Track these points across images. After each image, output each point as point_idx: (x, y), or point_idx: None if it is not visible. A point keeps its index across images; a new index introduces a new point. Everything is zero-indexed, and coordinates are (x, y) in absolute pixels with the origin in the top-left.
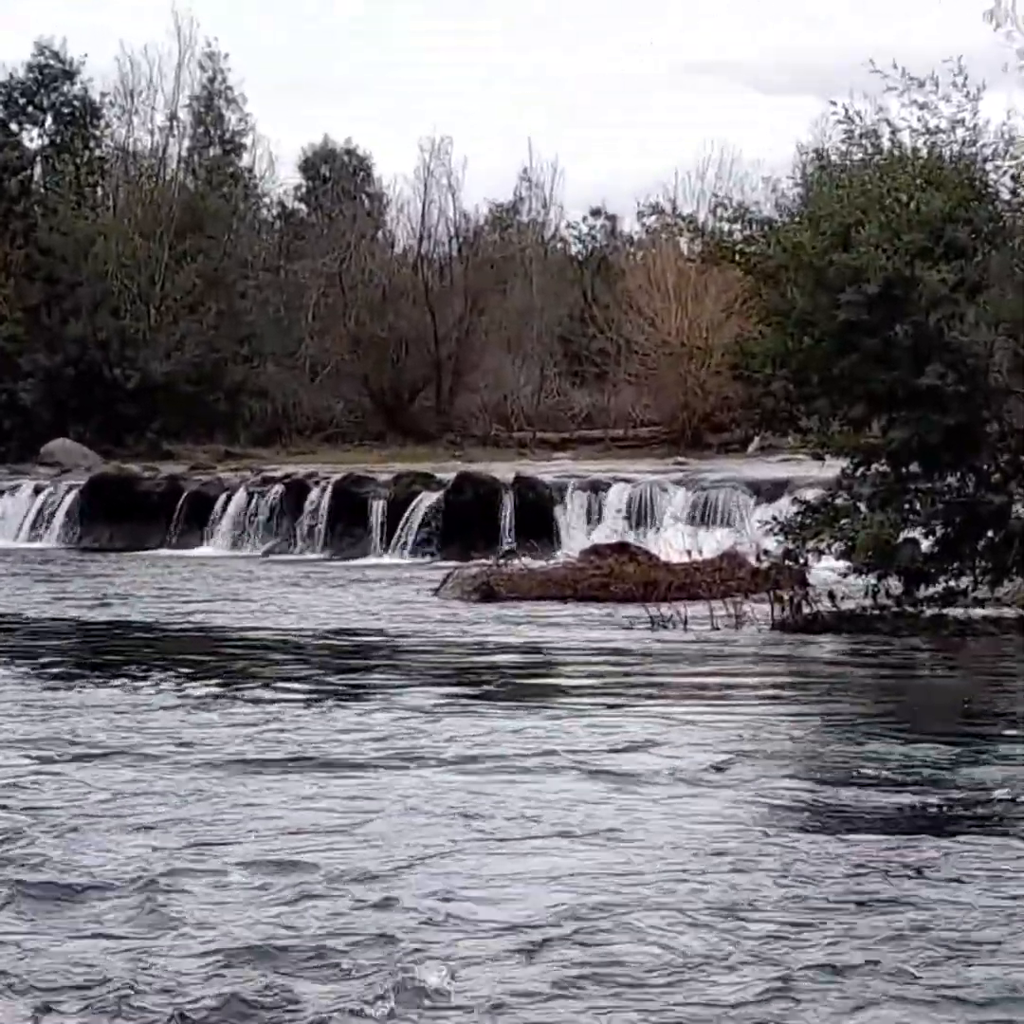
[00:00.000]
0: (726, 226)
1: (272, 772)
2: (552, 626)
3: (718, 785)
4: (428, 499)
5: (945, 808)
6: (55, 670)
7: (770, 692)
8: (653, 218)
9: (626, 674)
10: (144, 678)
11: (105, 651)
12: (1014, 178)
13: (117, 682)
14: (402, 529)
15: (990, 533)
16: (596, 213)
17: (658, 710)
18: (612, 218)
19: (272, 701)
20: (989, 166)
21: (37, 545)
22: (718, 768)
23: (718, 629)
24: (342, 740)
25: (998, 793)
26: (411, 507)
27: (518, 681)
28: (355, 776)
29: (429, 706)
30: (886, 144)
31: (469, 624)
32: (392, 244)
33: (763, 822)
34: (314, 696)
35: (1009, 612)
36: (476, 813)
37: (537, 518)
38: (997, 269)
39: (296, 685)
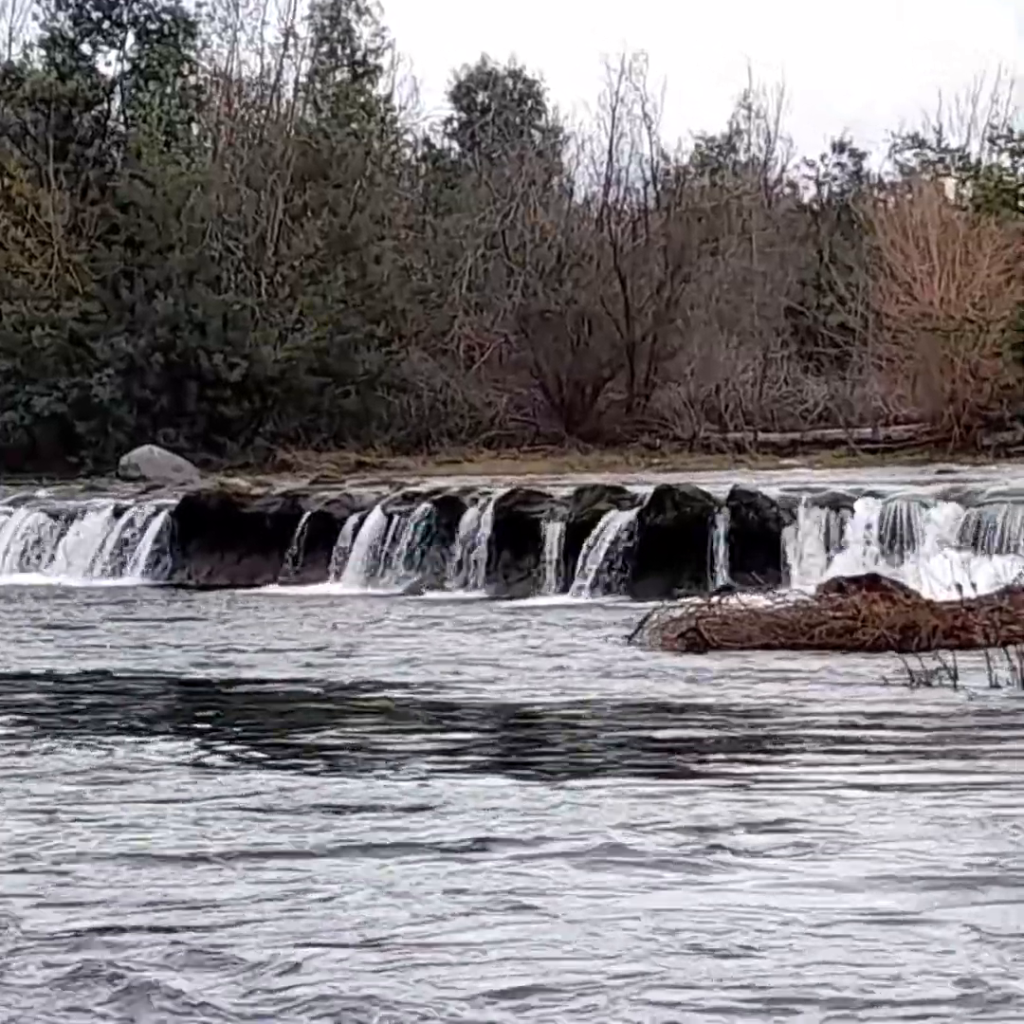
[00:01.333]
0: (1007, 162)
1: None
2: (781, 683)
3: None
4: (618, 521)
5: None
6: (148, 746)
7: None
8: (911, 154)
9: (878, 750)
10: (261, 759)
11: (203, 719)
12: None
13: (219, 763)
14: (585, 559)
15: None
16: (837, 149)
17: (925, 802)
18: (857, 155)
19: (425, 788)
20: None
21: (117, 581)
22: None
23: (999, 687)
24: (544, 834)
25: None
26: (596, 531)
27: (740, 758)
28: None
29: (617, 794)
30: None
31: (673, 681)
32: (570, 193)
33: None
34: (485, 775)
35: None
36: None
37: (760, 544)
38: None
39: (459, 764)
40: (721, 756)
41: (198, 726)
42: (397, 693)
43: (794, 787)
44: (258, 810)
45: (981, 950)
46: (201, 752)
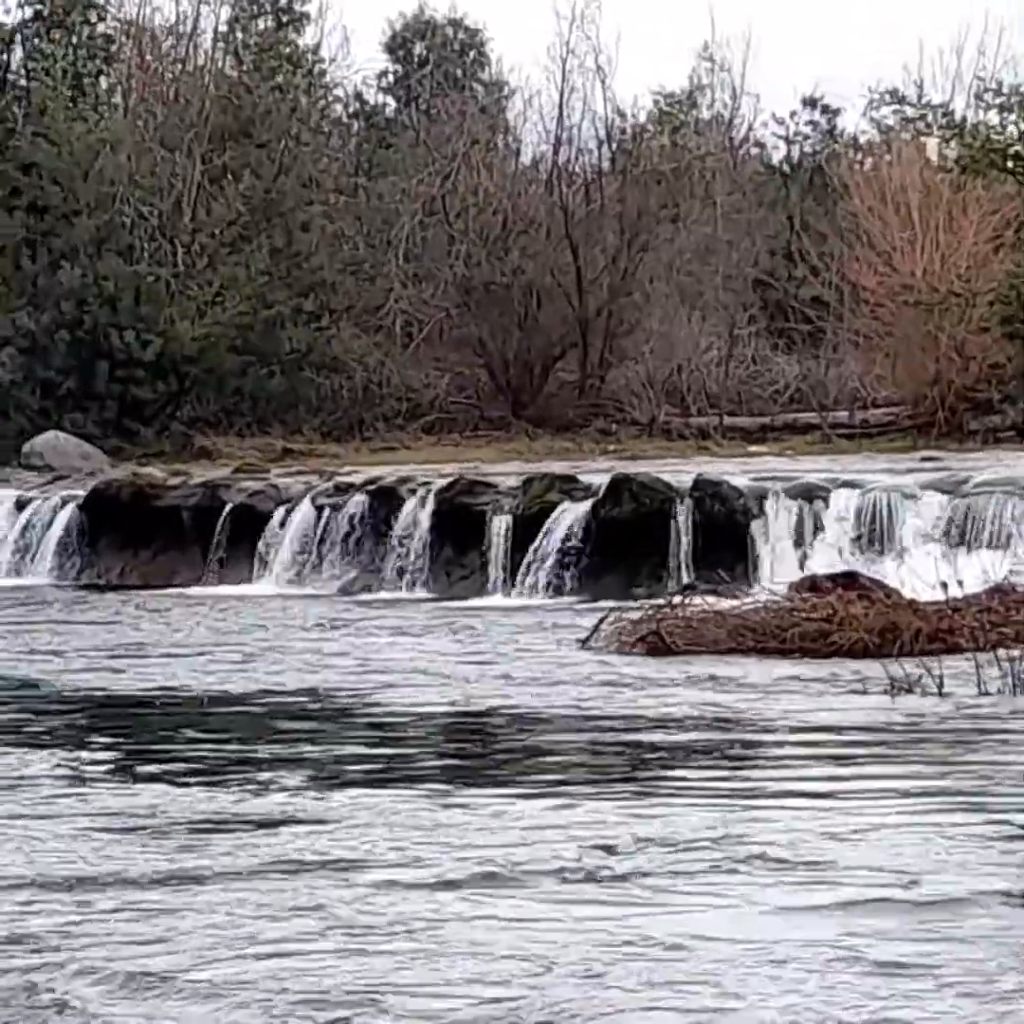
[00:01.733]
0: (994, 120)
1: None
2: (749, 692)
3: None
4: (570, 513)
5: None
6: (45, 768)
7: None
8: (889, 111)
9: (849, 763)
10: (140, 773)
11: (82, 731)
12: None
13: (144, 780)
14: (534, 556)
15: None
16: (808, 105)
17: (912, 820)
18: (831, 112)
19: (373, 811)
20: None
21: (19, 581)
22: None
23: (988, 694)
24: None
25: None
26: (547, 525)
27: (703, 774)
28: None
29: (581, 813)
30: None
31: (632, 689)
32: (517, 153)
33: None
34: (436, 796)
35: None
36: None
37: (726, 539)
38: None
39: (408, 782)
40: (672, 771)
41: (73, 738)
42: (315, 702)
43: (737, 803)
44: (119, 830)
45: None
46: (68, 767)
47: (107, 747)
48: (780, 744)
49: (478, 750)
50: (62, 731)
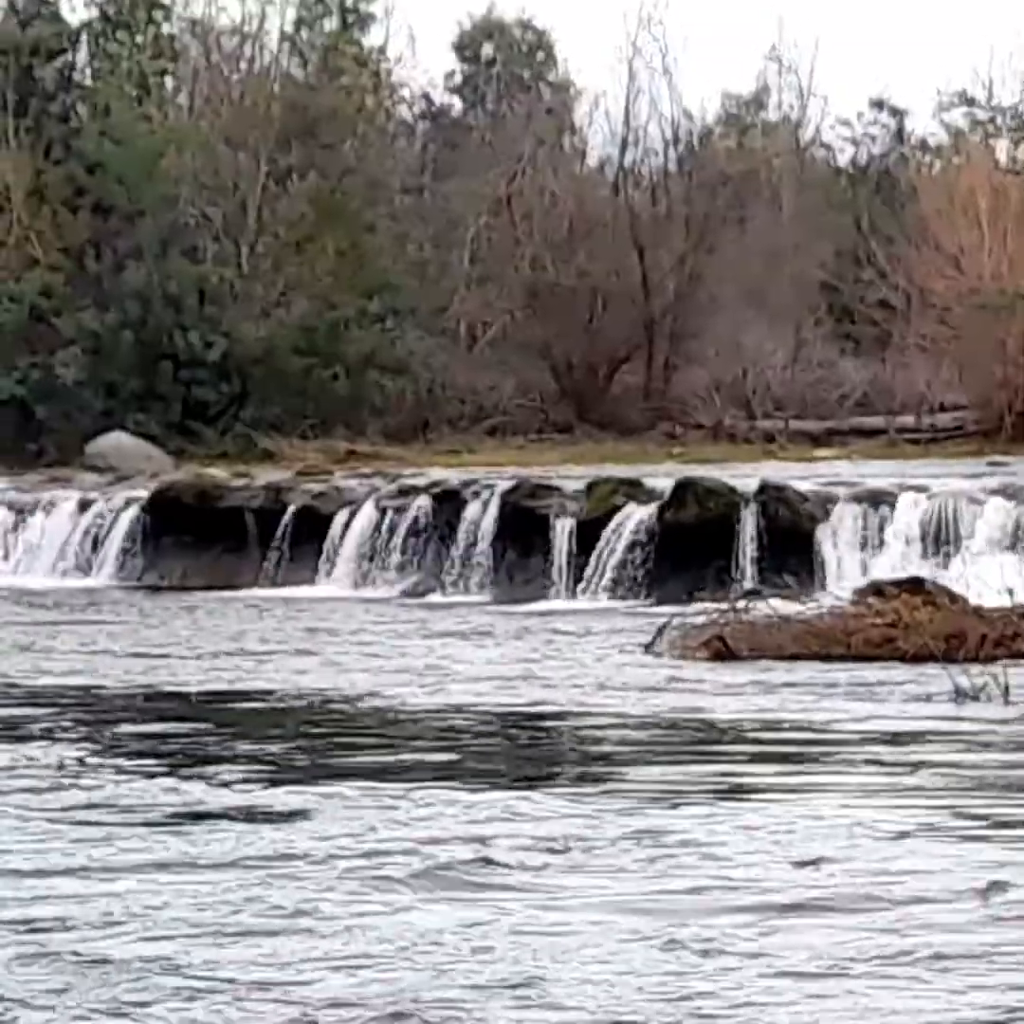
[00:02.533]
0: None
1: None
2: (813, 698)
3: None
4: (635, 517)
5: None
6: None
7: None
8: (959, 113)
9: (920, 771)
10: (242, 780)
11: (176, 738)
12: None
13: (206, 783)
14: (598, 560)
15: None
16: (876, 106)
17: (974, 834)
18: (898, 114)
19: (429, 813)
20: None
21: (82, 583)
22: None
23: None
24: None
25: None
26: (610, 528)
27: (767, 781)
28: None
29: (644, 823)
30: None
31: (695, 694)
32: (583, 155)
33: None
34: (496, 805)
35: None
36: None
37: (791, 544)
38: None
39: (465, 787)
40: (741, 776)
41: (103, 735)
42: (369, 703)
43: (823, 826)
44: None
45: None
46: (76, 760)
47: (125, 744)
48: (842, 751)
49: (540, 753)
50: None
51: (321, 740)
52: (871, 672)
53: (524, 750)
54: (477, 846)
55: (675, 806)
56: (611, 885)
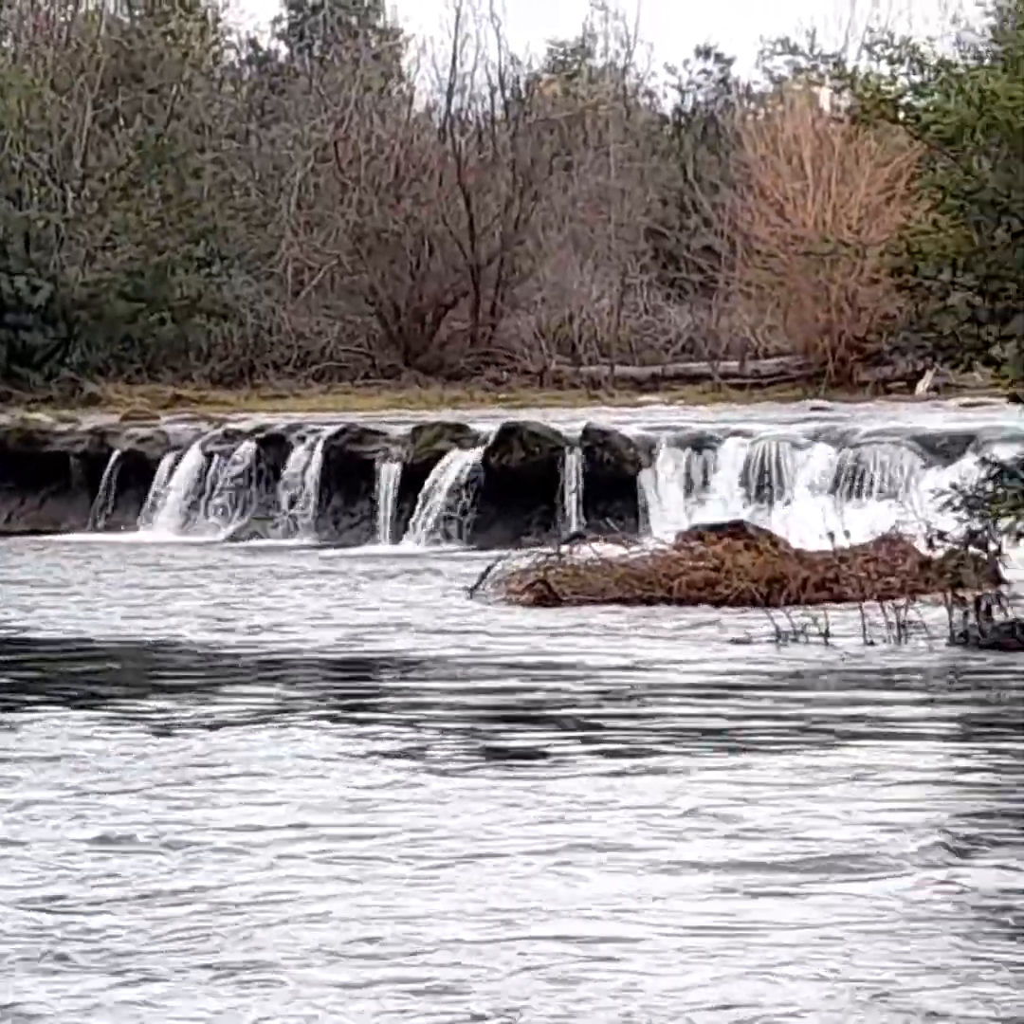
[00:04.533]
0: (887, 71)
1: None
2: (635, 641)
3: (887, 891)
4: (460, 461)
5: None
6: None
7: (953, 741)
8: (782, 61)
9: (741, 714)
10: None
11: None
12: None
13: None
14: (423, 504)
15: None
16: (702, 54)
17: (789, 767)
18: (724, 62)
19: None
20: None
21: None
22: (886, 856)
23: (873, 644)
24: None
25: None
26: (436, 473)
27: (588, 726)
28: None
29: (457, 768)
30: None
31: (517, 638)
32: (410, 100)
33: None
34: (313, 740)
35: None
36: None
37: (615, 489)
38: None
39: (282, 724)
40: (562, 723)
41: None
42: (185, 646)
43: (642, 765)
44: None
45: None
46: None
47: None
48: (661, 692)
49: (354, 693)
50: None
51: (140, 684)
52: (693, 615)
53: (341, 693)
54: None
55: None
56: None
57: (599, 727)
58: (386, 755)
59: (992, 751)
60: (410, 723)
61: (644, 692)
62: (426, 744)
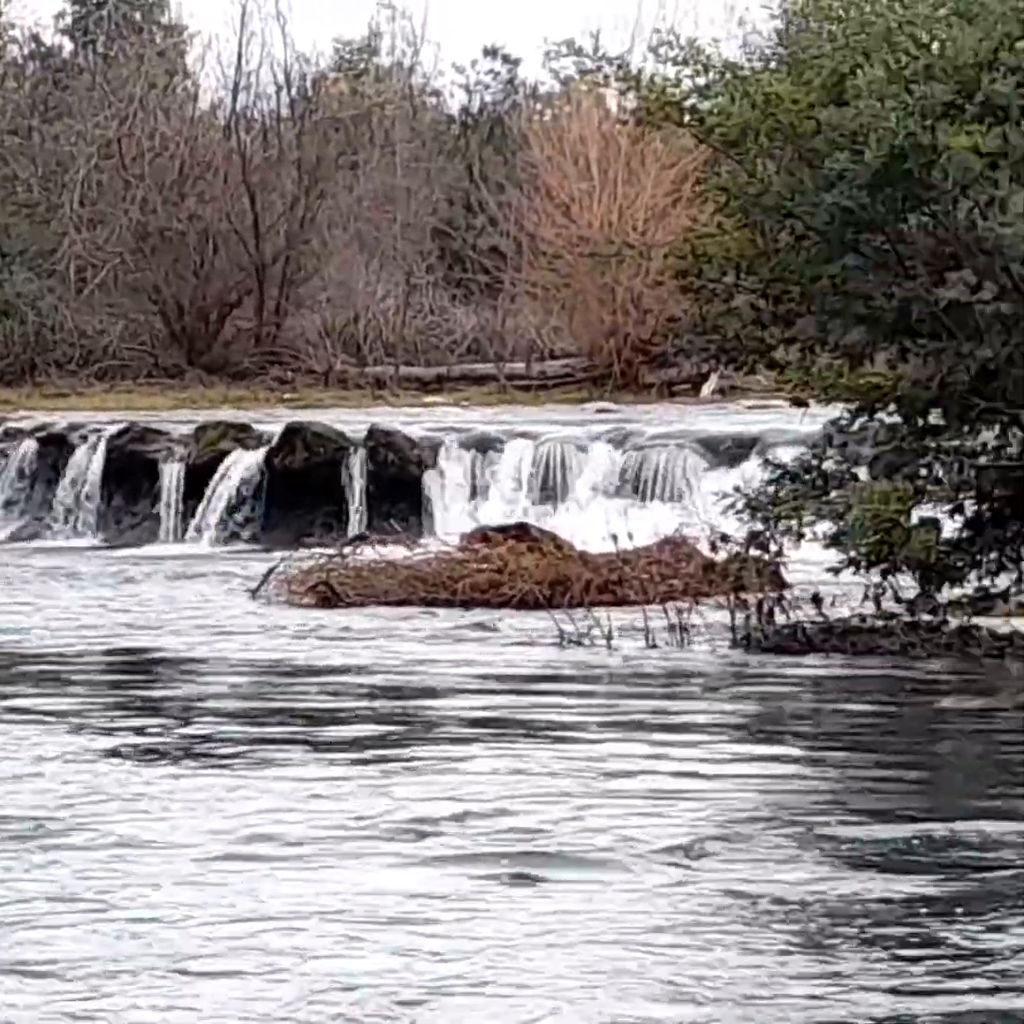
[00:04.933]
0: (672, 73)
1: None
2: (417, 643)
3: (654, 886)
4: (244, 462)
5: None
6: None
7: (731, 742)
8: (569, 61)
9: (521, 717)
10: None
11: None
12: None
13: None
14: (206, 504)
15: None
16: (490, 54)
17: (568, 769)
18: (512, 62)
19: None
20: None
21: None
22: (652, 855)
23: (656, 647)
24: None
25: None
26: (219, 473)
27: (363, 728)
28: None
29: (235, 765)
30: None
31: (297, 640)
32: (195, 98)
33: (733, 932)
34: (73, 746)
35: None
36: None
37: (399, 490)
38: None
39: (47, 730)
40: (336, 723)
41: None
42: None
43: (420, 766)
44: None
45: None
46: None
47: None
48: (441, 694)
49: (128, 697)
50: None
51: None
52: (477, 617)
53: (118, 695)
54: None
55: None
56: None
57: (354, 724)
58: (113, 754)
59: (761, 754)
60: (163, 723)
61: (418, 691)
62: (166, 742)
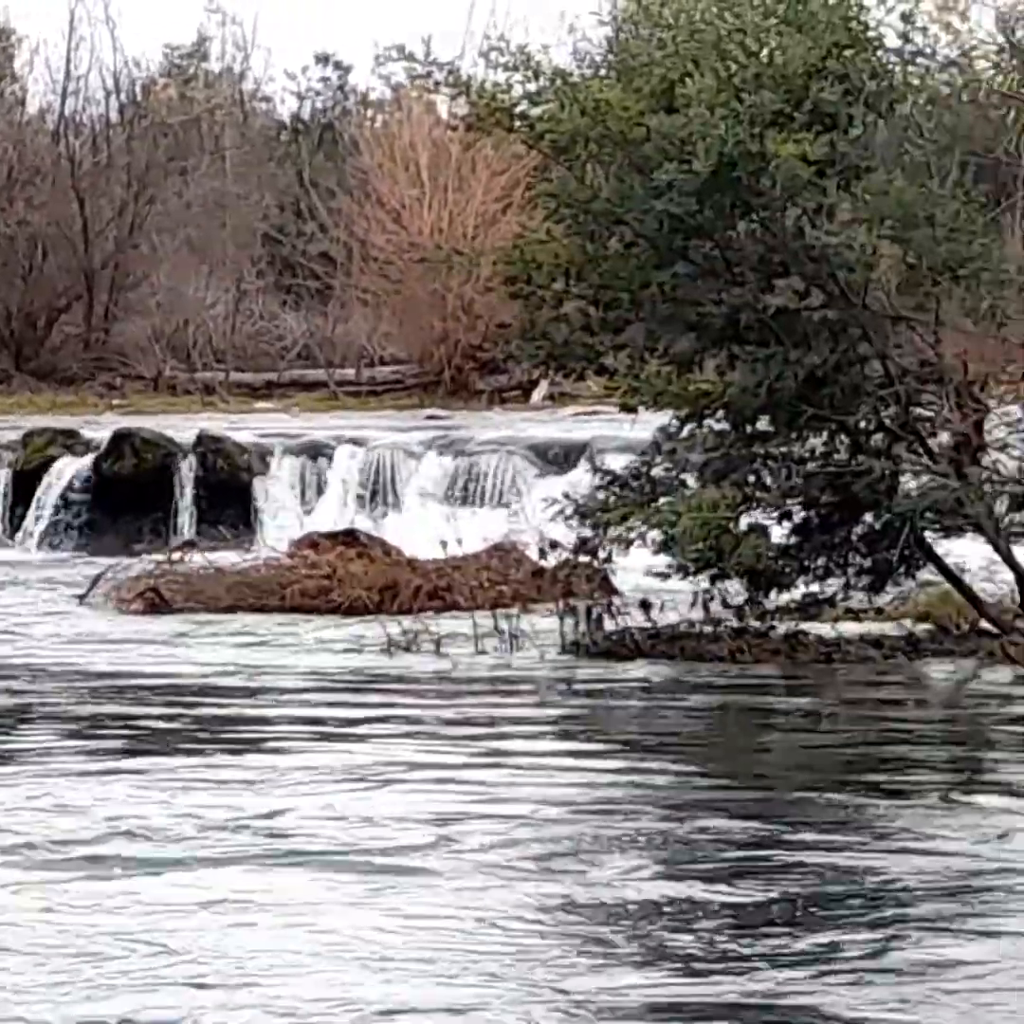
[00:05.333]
0: (502, 79)
1: None
2: (245, 650)
3: (474, 886)
4: (71, 468)
5: (808, 909)
6: None
7: (558, 746)
8: (399, 67)
9: (345, 722)
10: None
11: None
12: (905, 18)
13: None
14: (33, 511)
15: (868, 517)
16: (321, 61)
17: (390, 774)
18: (343, 68)
19: None
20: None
21: None
22: (469, 855)
23: (485, 653)
24: None
25: (873, 882)
26: (47, 479)
27: (189, 736)
28: None
29: (60, 774)
30: None
31: (125, 647)
32: (22, 102)
33: (553, 935)
34: None
35: (894, 628)
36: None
37: (229, 496)
38: (882, 145)
39: None
40: (161, 731)
41: None
42: None
43: (243, 775)
44: None
45: None
46: None
47: None
48: (265, 700)
49: None
50: None
51: None
52: (306, 624)
53: None
54: None
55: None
56: None
57: (180, 731)
58: None
59: (589, 757)
60: None
61: (243, 697)
62: None
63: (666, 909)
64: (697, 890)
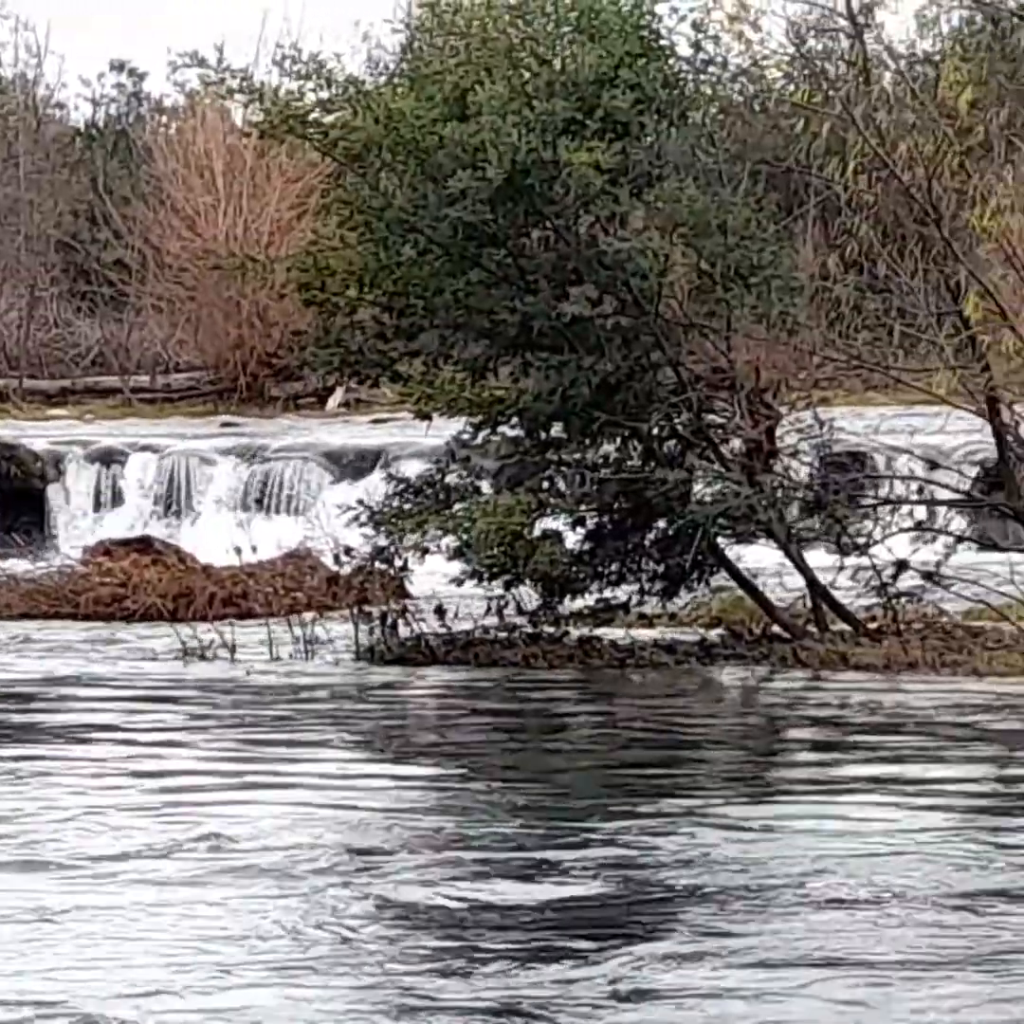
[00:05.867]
0: (296, 86)
1: None
2: (36, 658)
3: (260, 892)
4: None
5: (599, 907)
6: None
7: (350, 753)
8: (193, 74)
9: (132, 729)
10: None
11: None
12: (696, 26)
13: None
14: None
15: (661, 523)
16: (116, 68)
17: (180, 782)
18: (138, 75)
19: None
20: (662, 8)
21: None
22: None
23: (279, 659)
24: None
25: (673, 877)
26: None
27: None
28: None
29: None
30: None
31: None
32: None
33: (343, 940)
34: None
35: (687, 634)
36: None
37: (23, 503)
38: (674, 153)
39: None
40: None
41: None
42: None
43: (41, 785)
44: None
45: None
46: None
47: None
48: (54, 708)
49: None
50: None
51: None
52: (100, 631)
53: None
54: None
55: None
56: None
57: None
58: None
59: (384, 762)
60: None
61: (30, 704)
62: None
63: (457, 910)
64: (493, 889)
